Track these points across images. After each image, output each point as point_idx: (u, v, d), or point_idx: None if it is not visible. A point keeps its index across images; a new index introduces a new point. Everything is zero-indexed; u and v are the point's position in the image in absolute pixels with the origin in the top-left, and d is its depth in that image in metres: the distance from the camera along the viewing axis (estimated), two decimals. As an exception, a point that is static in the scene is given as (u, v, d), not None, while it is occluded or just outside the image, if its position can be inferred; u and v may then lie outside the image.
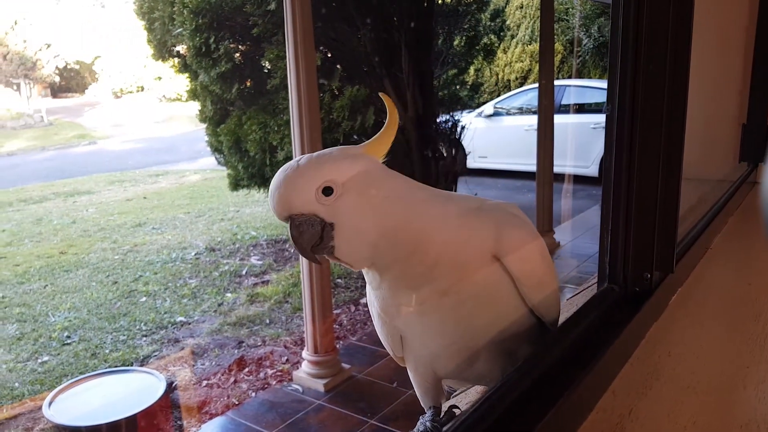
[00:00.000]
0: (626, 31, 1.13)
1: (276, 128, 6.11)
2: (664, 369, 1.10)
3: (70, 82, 18.47)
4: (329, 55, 6.21)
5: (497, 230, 0.90)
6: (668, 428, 0.93)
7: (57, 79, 17.30)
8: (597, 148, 9.06)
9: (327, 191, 0.84)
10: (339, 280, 5.81)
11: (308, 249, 0.86)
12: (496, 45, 8.65)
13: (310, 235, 0.85)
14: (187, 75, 6.79)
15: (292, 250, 6.80)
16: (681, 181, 1.18)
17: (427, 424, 0.99)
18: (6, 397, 4.04)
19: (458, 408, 1.04)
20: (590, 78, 12.06)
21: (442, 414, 1.02)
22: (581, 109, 9.68)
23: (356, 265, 0.89)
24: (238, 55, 6.26)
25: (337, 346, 4.28)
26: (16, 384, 4.20)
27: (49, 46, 15.96)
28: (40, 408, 3.80)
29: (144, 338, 4.89)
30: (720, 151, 2.45)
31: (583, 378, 0.92)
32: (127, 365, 4.46)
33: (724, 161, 2.46)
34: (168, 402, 3.92)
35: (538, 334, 0.99)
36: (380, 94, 0.95)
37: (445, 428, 0.98)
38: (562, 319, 1.10)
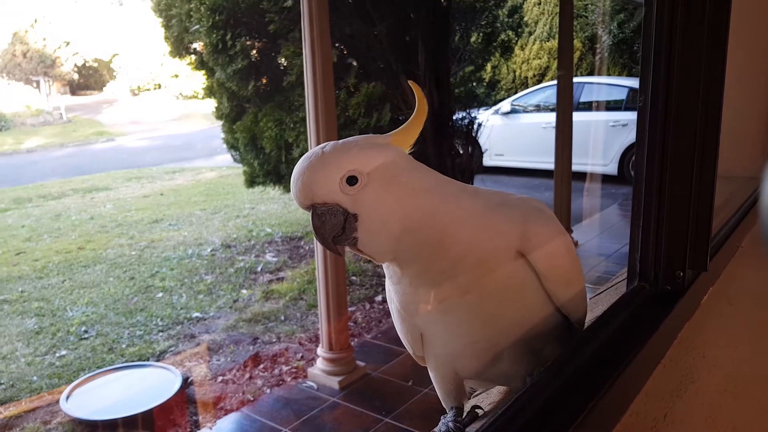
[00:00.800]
0: (660, 20, 1.08)
1: (292, 125, 6.10)
2: (699, 371, 1.05)
3: (88, 79, 18.68)
4: (345, 52, 6.19)
5: (523, 226, 0.87)
6: (706, 433, 0.89)
7: (76, 76, 17.49)
8: (616, 146, 8.95)
9: (351, 180, 0.81)
10: (354, 278, 5.79)
11: (329, 239, 0.83)
12: (514, 42, 8.57)
13: (332, 226, 0.82)
14: (203, 72, 6.81)
15: (307, 247, 6.79)
16: (716, 175, 1.13)
17: (450, 424, 0.96)
18: (24, 390, 4.07)
19: (481, 408, 1.01)
20: (609, 75, 11.92)
21: (465, 414, 0.99)
22: (600, 106, 9.57)
23: (378, 257, 0.86)
24: (254, 52, 6.26)
25: (352, 343, 4.26)
26: (35, 378, 4.23)
27: (68, 43, 16.15)
28: (57, 401, 3.82)
29: (160, 333, 4.90)
30: (748, 148, 2.39)
31: (615, 380, 0.88)
32: (144, 360, 4.47)
33: (752, 158, 2.39)
34: (184, 397, 3.93)
35: (564, 333, 0.96)
36: (410, 82, 0.92)
37: (468, 429, 0.94)
38: (588, 318, 1.06)
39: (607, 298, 1.38)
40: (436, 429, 0.97)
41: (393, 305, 0.95)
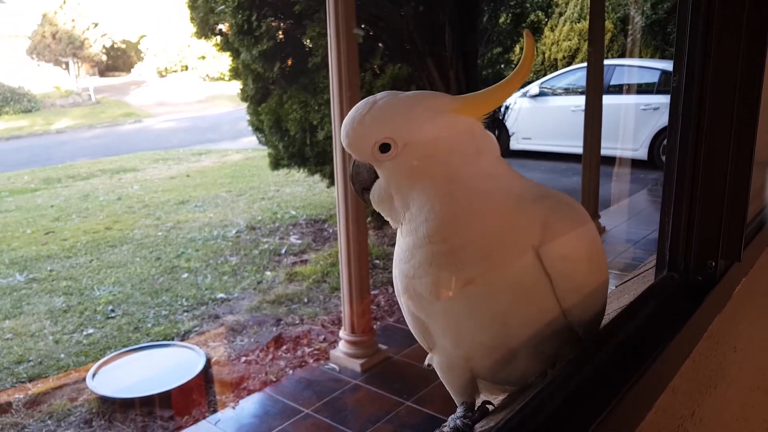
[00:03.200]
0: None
1: (316, 107, 6.07)
2: (730, 367, 1.00)
3: (116, 61, 18.88)
4: (371, 33, 6.11)
5: (542, 224, 0.82)
6: (736, 432, 0.84)
7: (104, 57, 17.68)
8: (647, 130, 8.74)
9: (384, 148, 0.81)
10: (377, 261, 5.78)
11: (359, 191, 0.87)
12: (544, 22, 8.38)
13: (362, 180, 0.85)
14: (229, 53, 6.80)
15: (331, 230, 6.80)
16: (753, 159, 1.07)
17: (458, 422, 0.91)
18: (52, 367, 4.15)
19: (492, 404, 0.96)
20: (641, 57, 11.62)
21: (476, 409, 0.95)
22: (631, 89, 9.35)
23: (392, 223, 0.87)
24: (279, 33, 6.22)
25: (374, 327, 4.25)
26: (62, 355, 4.31)
27: (96, 25, 16.31)
28: (84, 379, 3.90)
29: (185, 314, 4.96)
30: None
31: (641, 374, 0.84)
32: (169, 340, 4.53)
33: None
34: (207, 376, 3.97)
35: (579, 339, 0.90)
36: (524, 32, 0.86)
37: (479, 426, 0.90)
38: (615, 308, 1.02)
39: (634, 287, 1.33)
40: (444, 426, 0.93)
41: (400, 298, 0.92)
